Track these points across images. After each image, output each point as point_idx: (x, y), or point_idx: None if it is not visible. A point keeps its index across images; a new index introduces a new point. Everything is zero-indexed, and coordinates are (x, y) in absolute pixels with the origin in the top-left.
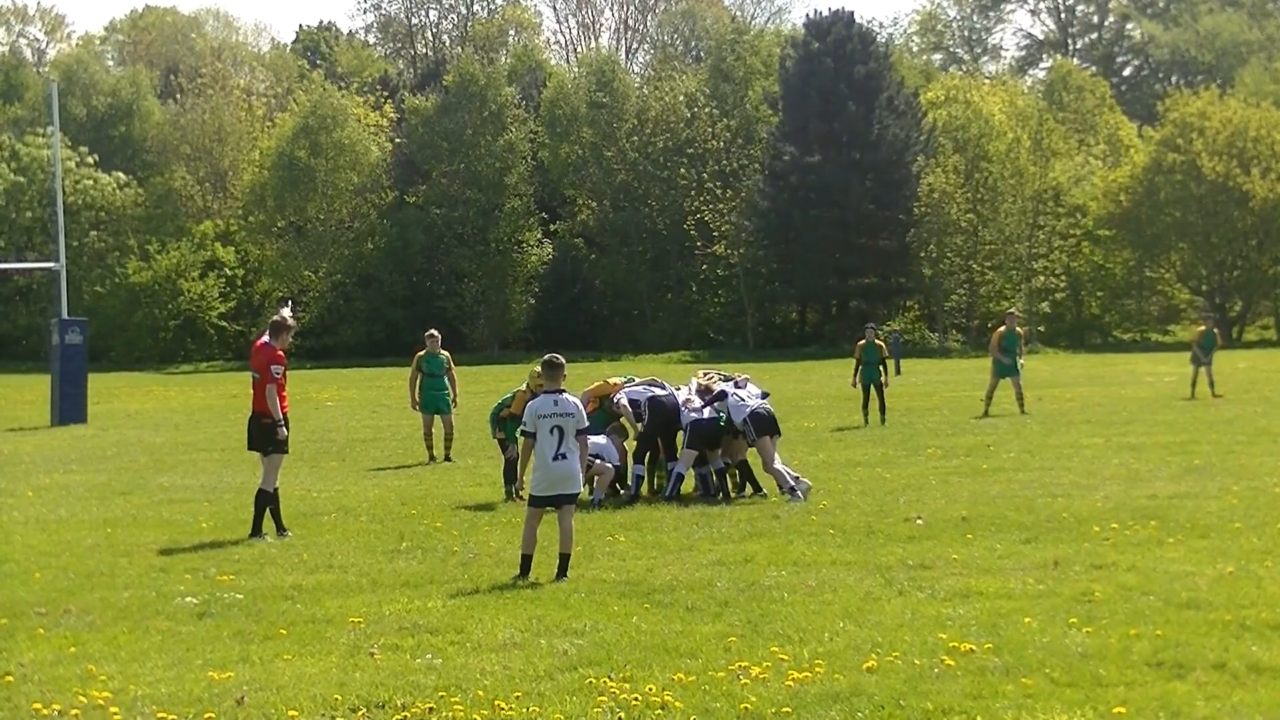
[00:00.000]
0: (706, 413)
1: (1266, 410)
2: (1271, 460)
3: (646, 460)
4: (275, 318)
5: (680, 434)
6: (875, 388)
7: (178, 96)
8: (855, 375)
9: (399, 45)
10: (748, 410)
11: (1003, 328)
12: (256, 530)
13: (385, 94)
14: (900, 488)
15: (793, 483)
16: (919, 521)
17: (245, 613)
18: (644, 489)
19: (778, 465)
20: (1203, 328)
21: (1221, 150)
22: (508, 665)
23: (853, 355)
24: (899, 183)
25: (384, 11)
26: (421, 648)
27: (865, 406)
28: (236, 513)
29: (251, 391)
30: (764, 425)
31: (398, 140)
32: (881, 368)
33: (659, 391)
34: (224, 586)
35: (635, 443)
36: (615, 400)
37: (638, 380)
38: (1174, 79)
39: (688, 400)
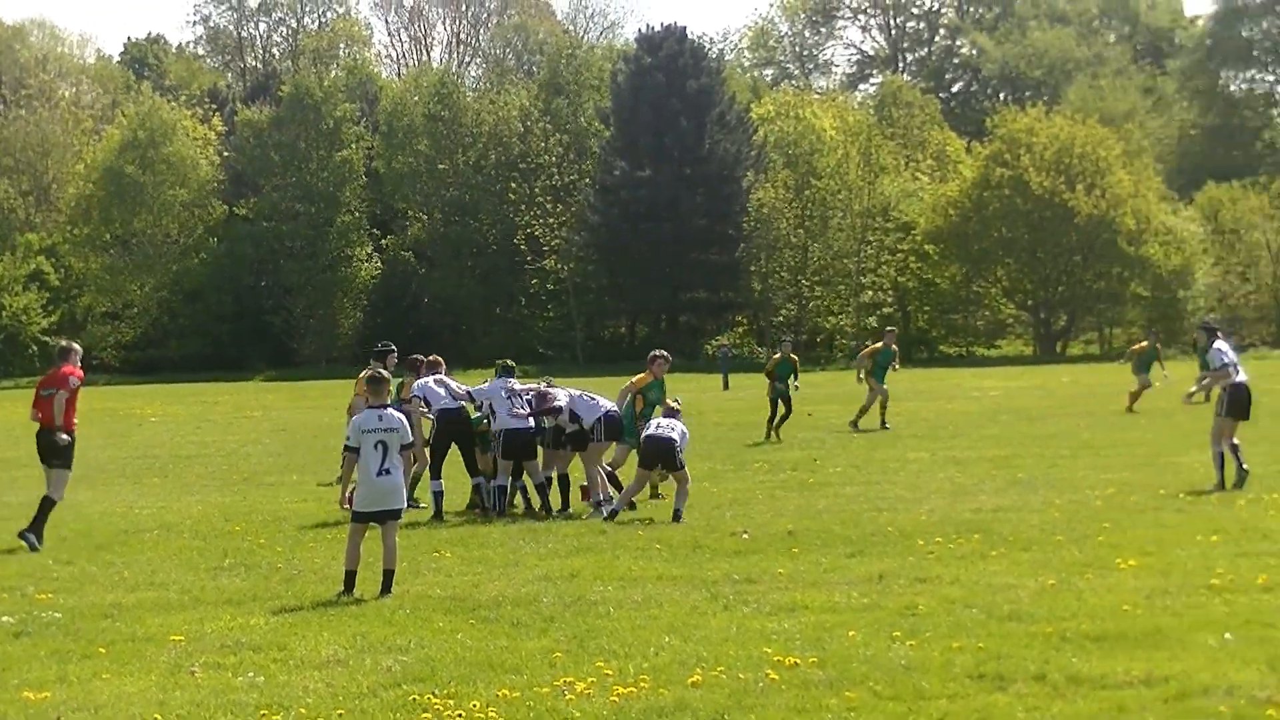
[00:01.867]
0: (522, 422)
1: (1089, 424)
2: (1093, 474)
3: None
4: (62, 344)
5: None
6: (784, 401)
7: (0, 108)
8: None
9: (228, 58)
10: (601, 412)
11: (879, 345)
12: (34, 529)
13: (214, 107)
14: (727, 502)
15: (601, 498)
16: (745, 536)
17: (63, 631)
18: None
19: (602, 472)
20: (1144, 343)
21: (1048, 166)
22: (331, 682)
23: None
24: (730, 198)
25: (213, 24)
26: (243, 665)
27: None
28: (55, 530)
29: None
30: (614, 430)
31: (227, 154)
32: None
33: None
34: (42, 605)
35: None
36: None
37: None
38: (1003, 95)
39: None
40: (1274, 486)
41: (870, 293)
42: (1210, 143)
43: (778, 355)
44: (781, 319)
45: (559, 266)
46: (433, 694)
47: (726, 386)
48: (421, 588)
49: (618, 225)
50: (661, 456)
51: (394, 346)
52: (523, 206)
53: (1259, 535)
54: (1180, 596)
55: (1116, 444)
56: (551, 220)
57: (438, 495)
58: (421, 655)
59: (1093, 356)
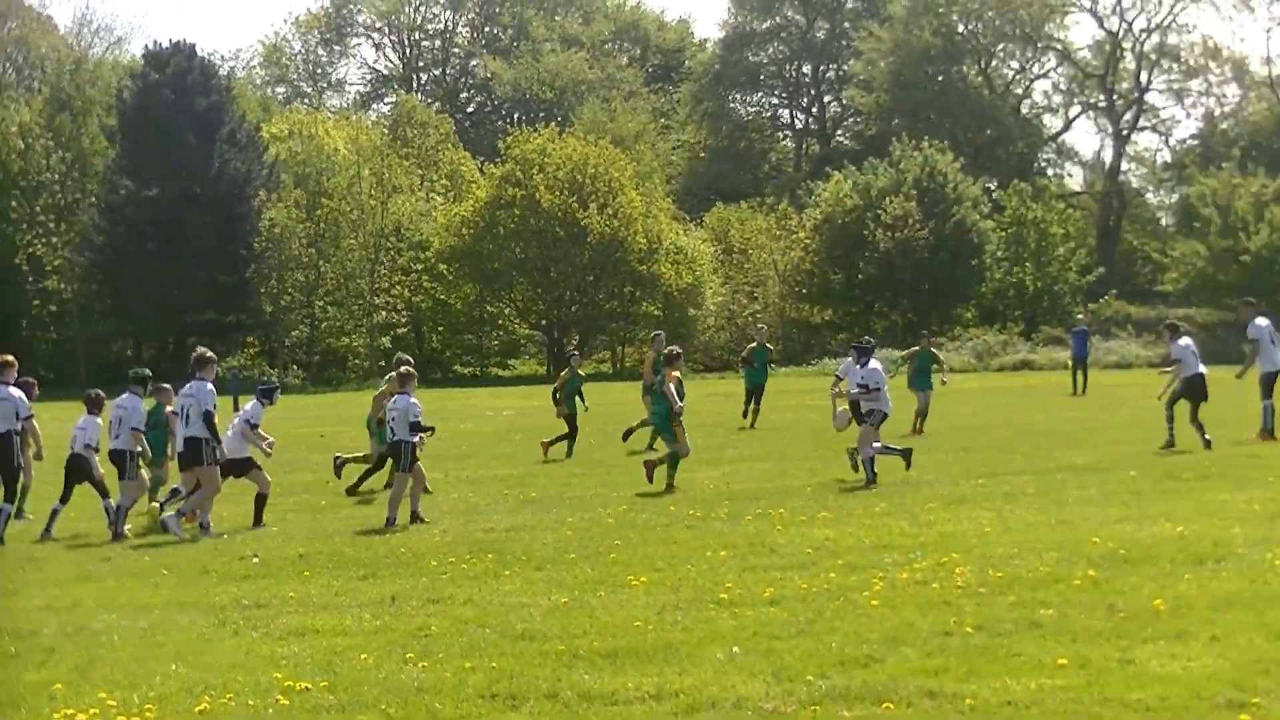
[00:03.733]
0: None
1: (602, 442)
2: (605, 490)
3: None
4: None
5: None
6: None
7: None
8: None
9: None
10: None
11: (753, 344)
12: None
13: None
14: (237, 526)
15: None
16: (254, 560)
17: None
18: None
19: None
20: (917, 348)
21: (560, 186)
22: None
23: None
24: (240, 217)
25: None
26: None
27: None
28: None
29: None
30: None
31: None
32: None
33: None
34: None
35: None
36: None
37: None
38: (516, 116)
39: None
40: (780, 502)
41: (384, 313)
42: (719, 164)
43: (916, 348)
44: (293, 340)
45: (62, 287)
46: None
47: (237, 408)
48: None
49: (123, 245)
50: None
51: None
52: (24, 226)
53: (766, 550)
54: (690, 611)
55: (628, 462)
56: (54, 240)
57: None
58: None
59: (604, 375)
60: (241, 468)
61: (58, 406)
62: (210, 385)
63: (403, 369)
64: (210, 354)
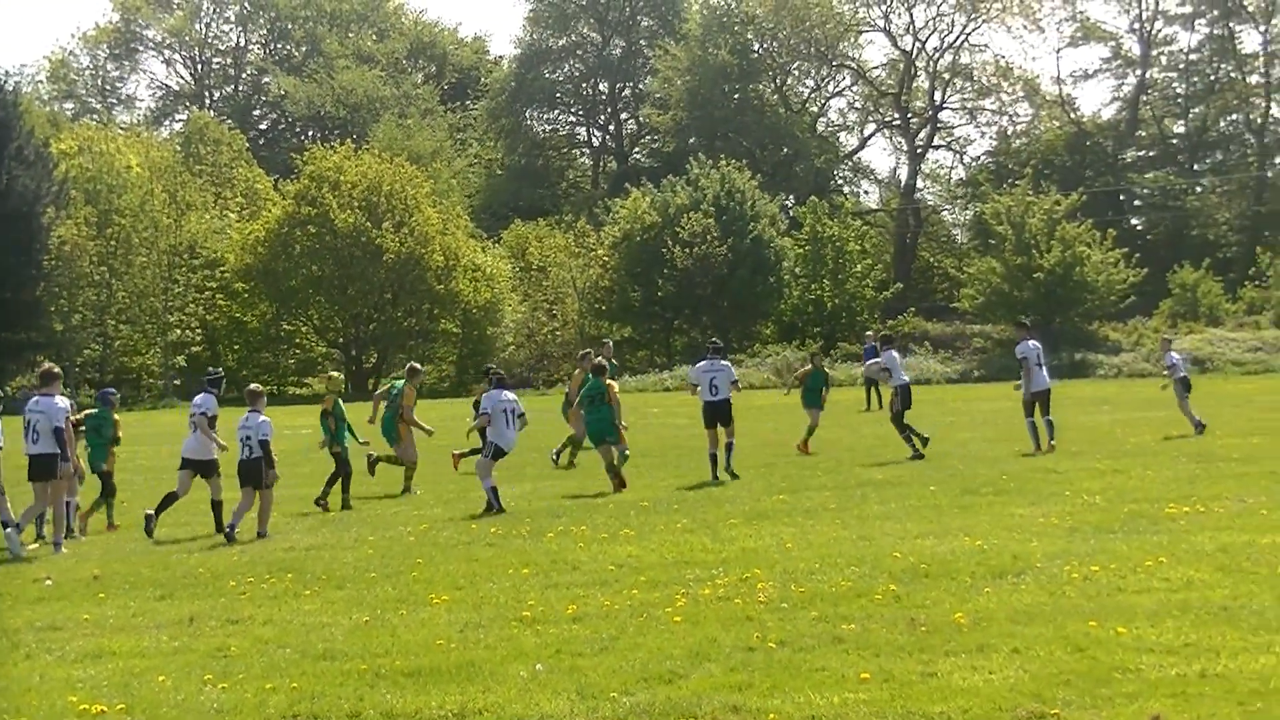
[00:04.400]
0: None
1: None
2: (406, 509)
3: None
4: None
5: None
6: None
7: None
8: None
9: None
10: None
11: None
12: None
13: None
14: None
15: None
16: (48, 582)
17: None
18: None
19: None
20: (809, 367)
21: (356, 204)
22: None
23: None
24: (30, 235)
25: None
26: None
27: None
28: None
29: None
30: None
31: None
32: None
33: None
34: None
35: None
36: None
37: None
38: (311, 133)
39: None
40: (582, 519)
41: (179, 331)
42: (516, 181)
43: (808, 367)
44: (85, 359)
45: None
46: None
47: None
48: None
49: None
50: None
51: None
52: None
53: (568, 567)
54: (493, 629)
55: (427, 479)
56: None
57: None
58: None
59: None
60: (209, 470)
61: None
62: (59, 400)
63: (251, 386)
64: (57, 369)
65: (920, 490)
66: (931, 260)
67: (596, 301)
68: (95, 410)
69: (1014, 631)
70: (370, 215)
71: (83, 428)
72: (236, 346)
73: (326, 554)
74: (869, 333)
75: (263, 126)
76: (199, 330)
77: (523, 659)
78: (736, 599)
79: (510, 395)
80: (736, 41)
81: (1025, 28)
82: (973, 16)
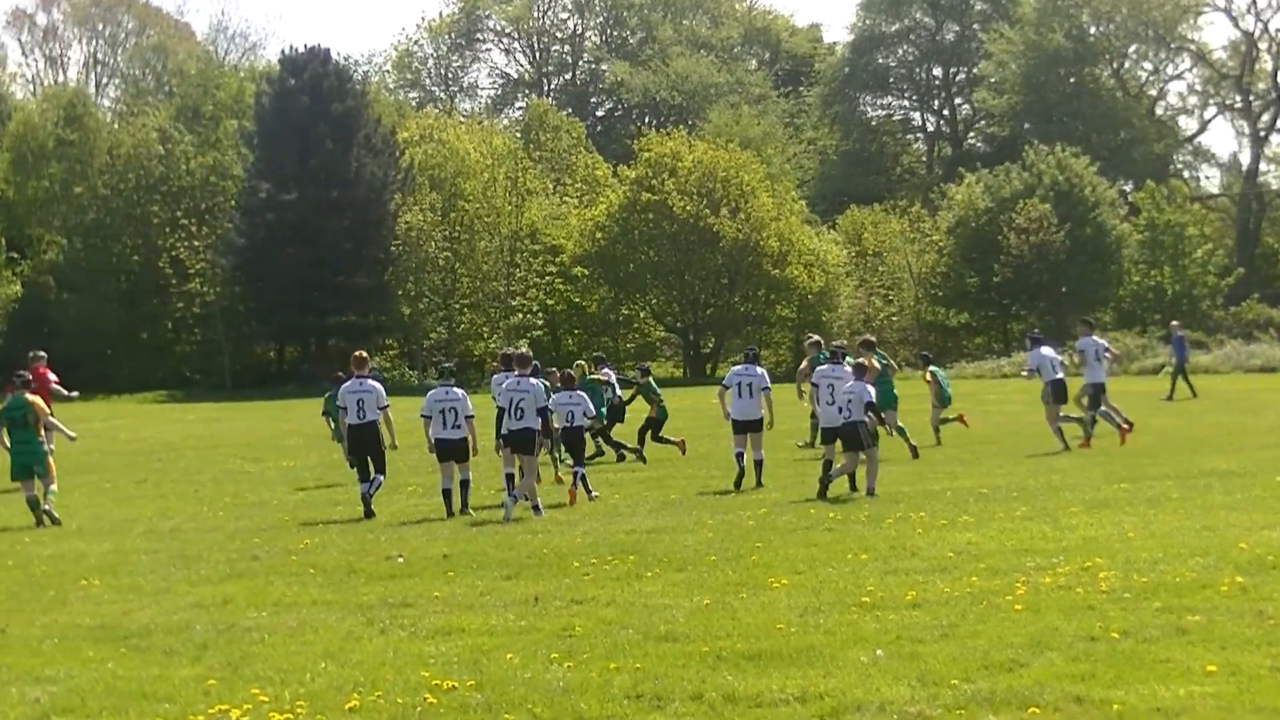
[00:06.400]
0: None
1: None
2: (745, 494)
3: None
4: None
5: None
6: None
7: None
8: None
9: None
10: None
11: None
12: None
13: None
14: (380, 526)
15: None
16: (399, 560)
17: None
18: None
19: None
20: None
21: (692, 191)
22: None
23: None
24: (377, 221)
25: None
26: None
27: None
28: None
29: None
30: None
31: None
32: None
33: None
34: None
35: None
36: None
37: None
38: (647, 120)
39: None
40: (921, 506)
41: (520, 315)
42: (850, 167)
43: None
44: (431, 342)
45: (204, 290)
46: None
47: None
48: (69, 617)
49: (263, 248)
50: None
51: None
52: (166, 229)
53: (907, 553)
54: (832, 614)
55: (767, 464)
56: (196, 243)
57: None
58: (70, 685)
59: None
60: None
61: (202, 408)
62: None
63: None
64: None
65: (1266, 480)
66: (1276, 246)
67: (933, 288)
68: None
69: None
70: (707, 201)
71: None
72: (576, 331)
73: (667, 537)
74: (1175, 323)
75: (599, 113)
76: (540, 315)
77: (862, 644)
78: (1077, 588)
79: (760, 369)
80: (1072, 25)
81: None
82: None
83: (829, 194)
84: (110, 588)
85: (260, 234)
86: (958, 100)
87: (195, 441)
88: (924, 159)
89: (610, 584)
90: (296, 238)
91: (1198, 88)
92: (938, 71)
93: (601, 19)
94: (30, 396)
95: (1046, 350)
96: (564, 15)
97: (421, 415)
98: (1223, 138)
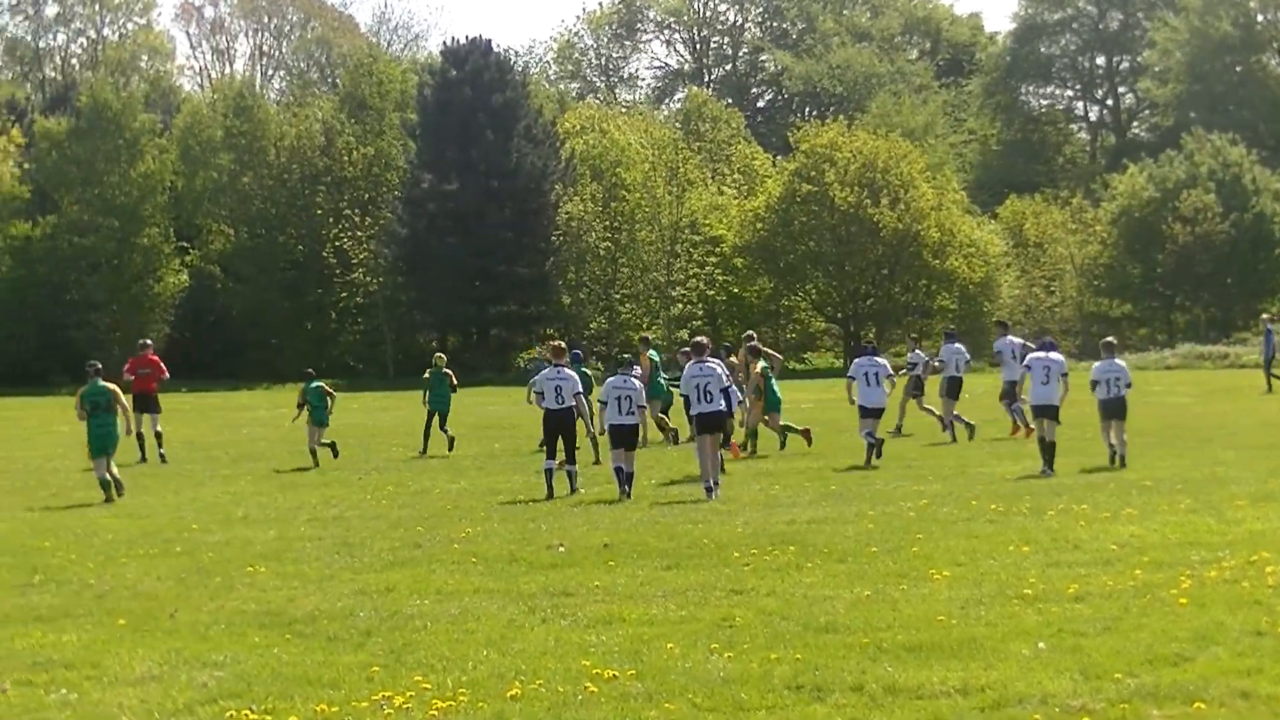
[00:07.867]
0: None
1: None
2: (905, 485)
3: None
4: None
5: None
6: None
7: None
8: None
9: (26, 69)
10: None
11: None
12: None
13: (13, 118)
14: (541, 515)
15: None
16: (560, 549)
17: None
18: None
19: None
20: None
21: (852, 181)
22: (145, 699)
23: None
24: (537, 211)
25: (9, 34)
26: (55, 683)
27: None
28: None
29: None
30: None
31: (27, 166)
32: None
33: None
34: None
35: None
36: None
37: None
38: (807, 110)
39: None
40: (1083, 498)
41: (680, 305)
42: (1011, 157)
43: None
44: (592, 332)
45: (367, 280)
46: (249, 709)
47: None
48: (236, 603)
49: (425, 238)
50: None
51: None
52: (330, 220)
53: (1069, 546)
54: (994, 606)
55: (926, 456)
56: (359, 233)
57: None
58: (237, 671)
59: (899, 367)
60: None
61: (365, 397)
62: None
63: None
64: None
65: None
66: None
67: (1096, 278)
68: None
69: None
70: (867, 191)
71: None
72: (736, 321)
73: (828, 528)
74: (1265, 315)
75: (760, 104)
76: (700, 305)
77: (1024, 637)
78: (1243, 582)
79: (881, 359)
80: (1239, 13)
81: None
82: None
83: (989, 184)
84: (275, 574)
85: (422, 224)
86: (1121, 89)
87: (357, 430)
88: (1086, 149)
89: (770, 575)
90: (458, 228)
91: None
92: (1101, 60)
93: (761, 9)
94: (106, 383)
95: (958, 346)
96: (724, 6)
97: (599, 400)
98: None
